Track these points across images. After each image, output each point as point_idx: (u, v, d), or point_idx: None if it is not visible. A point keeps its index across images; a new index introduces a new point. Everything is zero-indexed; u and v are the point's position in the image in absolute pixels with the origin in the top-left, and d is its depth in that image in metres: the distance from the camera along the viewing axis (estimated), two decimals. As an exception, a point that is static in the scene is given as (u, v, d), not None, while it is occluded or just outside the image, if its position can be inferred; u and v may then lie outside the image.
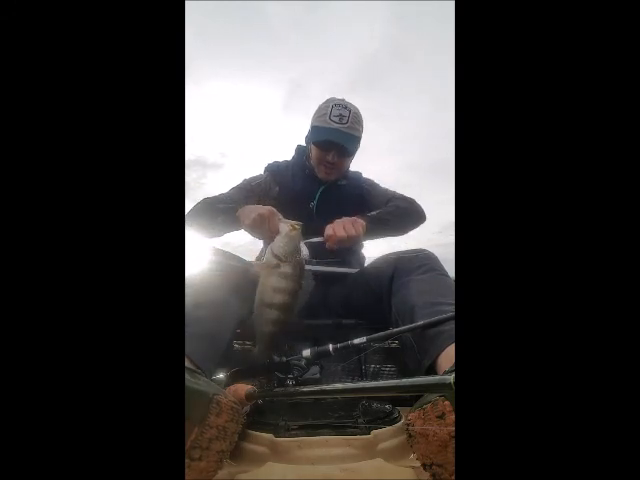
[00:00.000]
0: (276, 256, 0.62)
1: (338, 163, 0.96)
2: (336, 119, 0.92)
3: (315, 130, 0.95)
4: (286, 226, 0.64)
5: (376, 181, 1.10)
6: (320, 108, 0.97)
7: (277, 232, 0.65)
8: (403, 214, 0.93)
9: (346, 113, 0.92)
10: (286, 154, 1.09)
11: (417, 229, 0.99)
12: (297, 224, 0.65)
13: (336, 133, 0.91)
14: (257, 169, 1.07)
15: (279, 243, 0.63)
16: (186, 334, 0.49)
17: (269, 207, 0.70)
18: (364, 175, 1.10)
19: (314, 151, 0.96)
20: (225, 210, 0.82)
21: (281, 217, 0.68)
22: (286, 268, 0.62)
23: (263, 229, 0.68)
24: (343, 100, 0.96)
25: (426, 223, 1.00)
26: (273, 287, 0.62)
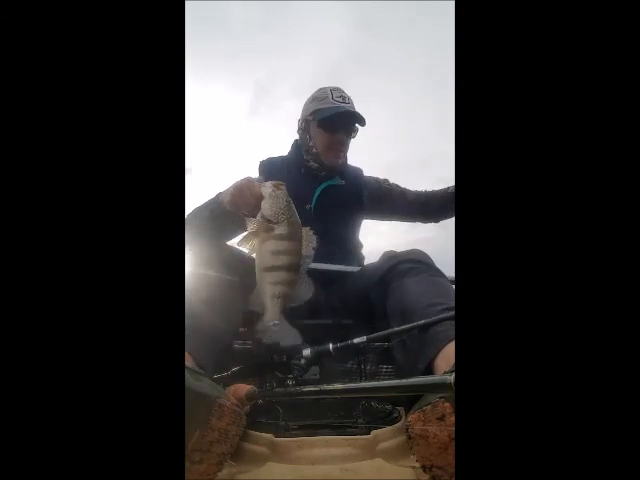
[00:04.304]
0: (267, 219, 0.59)
1: (346, 145, 0.96)
2: (340, 99, 0.94)
3: (320, 112, 0.93)
4: (268, 188, 0.62)
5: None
6: (316, 96, 0.97)
7: (261, 197, 0.62)
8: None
9: (345, 95, 0.95)
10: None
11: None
12: (279, 183, 0.62)
13: (343, 110, 0.92)
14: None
15: (266, 206, 0.60)
16: (187, 331, 0.49)
17: (245, 177, 0.68)
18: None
19: (321, 136, 0.94)
20: (209, 204, 0.78)
21: (261, 182, 0.65)
22: (281, 229, 0.59)
23: (245, 199, 0.65)
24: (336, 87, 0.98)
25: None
26: (272, 251, 0.59)
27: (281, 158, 1.04)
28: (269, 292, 0.60)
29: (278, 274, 0.59)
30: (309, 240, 0.62)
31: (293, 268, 0.60)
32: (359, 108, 0.96)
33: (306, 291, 0.63)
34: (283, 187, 0.62)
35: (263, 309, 0.61)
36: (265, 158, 1.05)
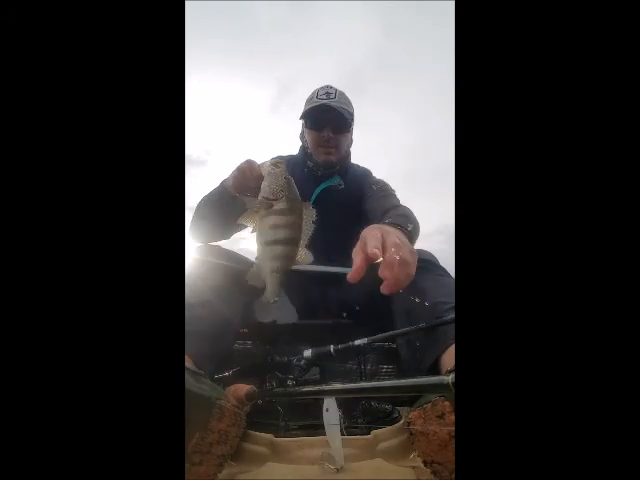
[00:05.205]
0: (266, 197, 0.60)
1: (335, 141, 0.95)
2: (323, 96, 0.94)
3: (305, 114, 0.95)
4: (267, 167, 0.63)
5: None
6: (307, 99, 0.99)
7: (261, 177, 0.63)
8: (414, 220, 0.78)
9: (332, 91, 0.95)
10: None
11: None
12: (278, 161, 0.63)
13: (326, 107, 0.92)
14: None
15: (265, 184, 0.61)
16: (188, 333, 0.49)
17: (246, 159, 0.69)
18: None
19: (309, 135, 0.96)
20: (214, 191, 0.79)
21: (260, 163, 0.67)
22: (280, 204, 0.59)
23: (247, 181, 0.66)
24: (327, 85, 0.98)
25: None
26: (272, 225, 0.59)
27: (289, 157, 1.06)
28: (269, 267, 0.60)
29: (277, 248, 0.60)
30: (309, 215, 0.63)
31: (293, 242, 0.60)
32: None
33: (305, 257, 0.63)
34: (282, 165, 0.62)
35: (263, 285, 0.62)
36: (276, 156, 1.05)
